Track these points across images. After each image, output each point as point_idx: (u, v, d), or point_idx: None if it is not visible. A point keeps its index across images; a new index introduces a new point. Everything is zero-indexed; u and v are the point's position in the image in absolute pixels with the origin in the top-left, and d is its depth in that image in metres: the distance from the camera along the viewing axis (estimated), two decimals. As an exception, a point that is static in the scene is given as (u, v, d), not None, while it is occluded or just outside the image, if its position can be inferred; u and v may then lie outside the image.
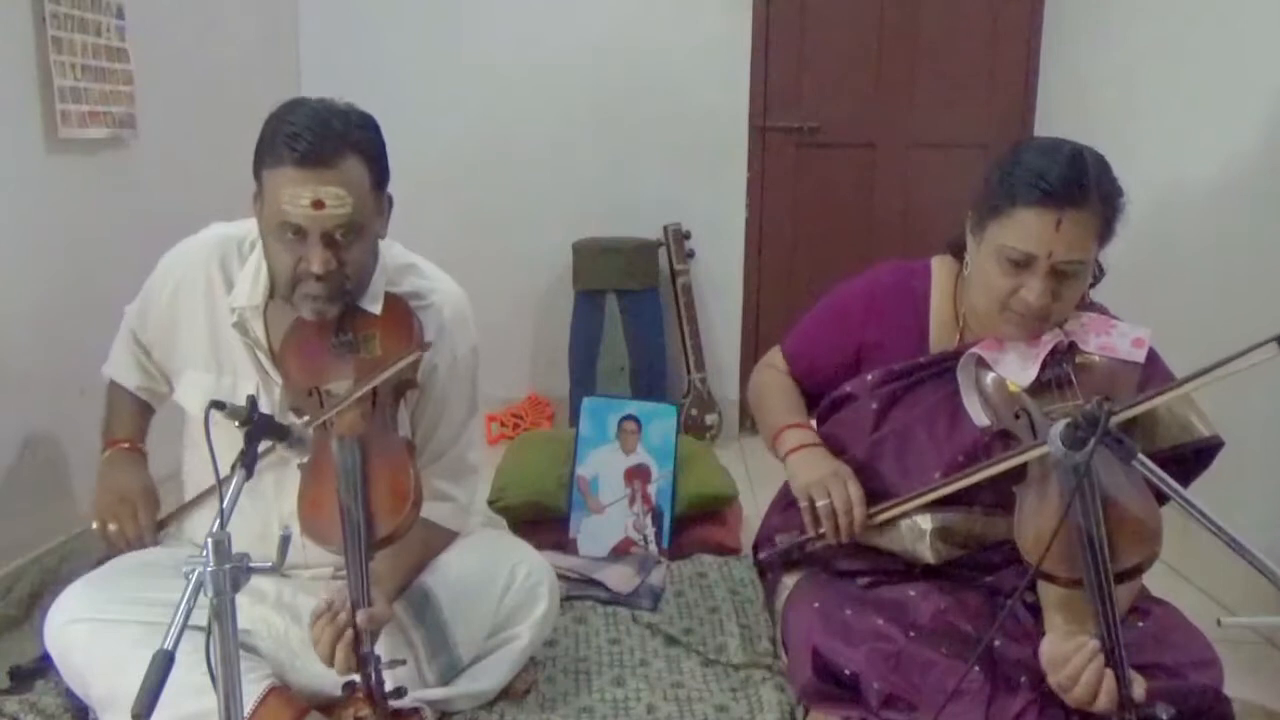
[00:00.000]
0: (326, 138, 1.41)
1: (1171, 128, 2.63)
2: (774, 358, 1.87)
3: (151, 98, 2.50)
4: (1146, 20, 2.81)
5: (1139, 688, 1.32)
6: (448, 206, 3.48)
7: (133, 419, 1.75)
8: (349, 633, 1.40)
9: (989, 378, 1.57)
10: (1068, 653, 1.34)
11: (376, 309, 1.56)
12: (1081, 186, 1.44)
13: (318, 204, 1.40)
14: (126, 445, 1.71)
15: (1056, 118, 3.35)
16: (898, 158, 3.58)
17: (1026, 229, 1.46)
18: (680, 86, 3.45)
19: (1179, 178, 2.55)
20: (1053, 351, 1.53)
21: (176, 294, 1.65)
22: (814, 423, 1.80)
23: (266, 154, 1.43)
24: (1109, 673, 1.30)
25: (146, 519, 1.62)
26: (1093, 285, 1.61)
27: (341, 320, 1.54)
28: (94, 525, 1.61)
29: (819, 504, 1.57)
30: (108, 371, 1.78)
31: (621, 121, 3.49)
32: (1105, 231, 1.50)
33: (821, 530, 1.58)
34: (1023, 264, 1.48)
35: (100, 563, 1.65)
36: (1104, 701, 1.30)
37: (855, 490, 1.58)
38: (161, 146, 2.55)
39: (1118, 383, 1.50)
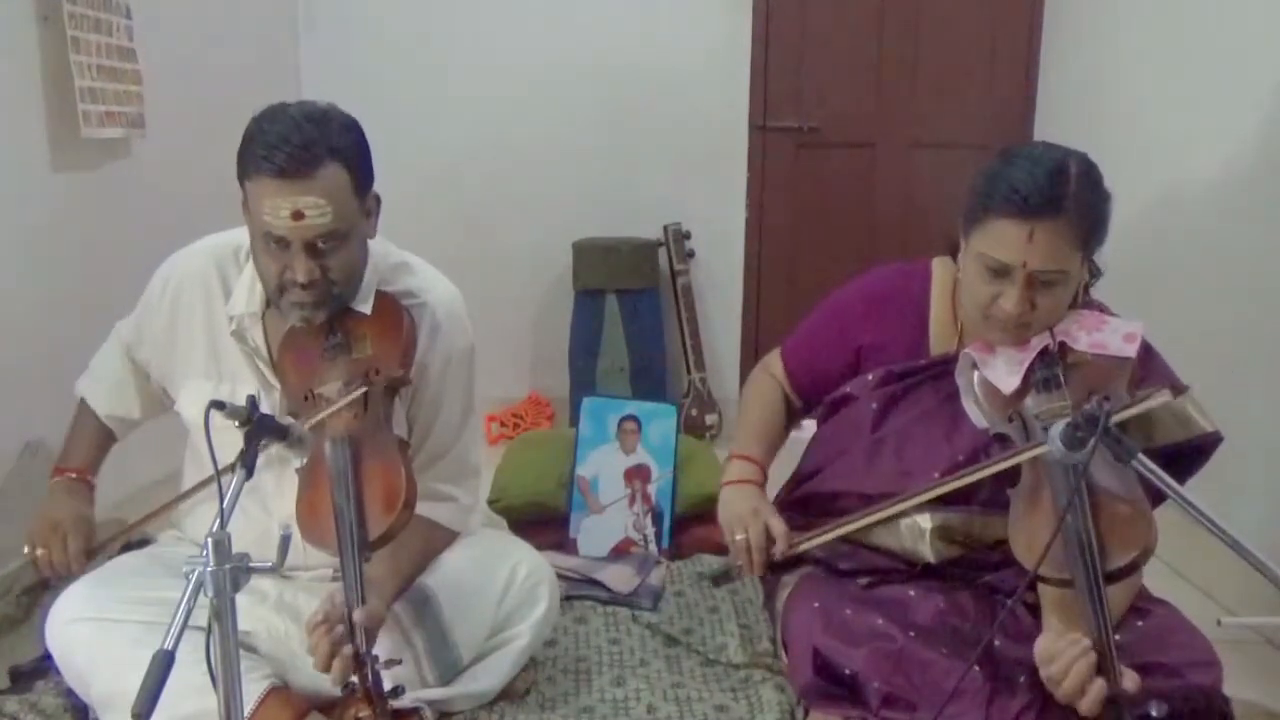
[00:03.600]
0: (303, 147, 1.39)
1: (1171, 128, 2.63)
2: (772, 362, 1.87)
3: (157, 98, 2.49)
4: (1146, 20, 2.81)
5: (1129, 681, 1.33)
6: (448, 206, 3.49)
7: (89, 448, 1.75)
8: (347, 648, 1.40)
9: (980, 382, 1.57)
10: (1060, 648, 1.35)
11: (367, 309, 1.56)
12: (1056, 200, 1.43)
13: (297, 215, 1.40)
14: (74, 475, 1.71)
15: (1056, 118, 3.35)
16: (898, 158, 3.58)
17: (1001, 239, 1.46)
18: (680, 86, 3.45)
19: (1179, 178, 2.55)
20: (1044, 352, 1.53)
21: (175, 305, 1.65)
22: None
23: (246, 165, 1.43)
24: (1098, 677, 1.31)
25: (76, 548, 1.60)
26: (1090, 284, 1.61)
27: (332, 322, 1.54)
28: (25, 549, 1.61)
29: (736, 538, 1.64)
30: (81, 389, 1.76)
31: (622, 121, 3.49)
32: (1087, 240, 1.48)
33: (739, 563, 1.65)
34: (1000, 272, 1.48)
35: (40, 585, 1.64)
36: (1090, 702, 1.31)
37: (777, 527, 1.63)
38: (169, 147, 2.55)
39: (1110, 379, 1.50)
